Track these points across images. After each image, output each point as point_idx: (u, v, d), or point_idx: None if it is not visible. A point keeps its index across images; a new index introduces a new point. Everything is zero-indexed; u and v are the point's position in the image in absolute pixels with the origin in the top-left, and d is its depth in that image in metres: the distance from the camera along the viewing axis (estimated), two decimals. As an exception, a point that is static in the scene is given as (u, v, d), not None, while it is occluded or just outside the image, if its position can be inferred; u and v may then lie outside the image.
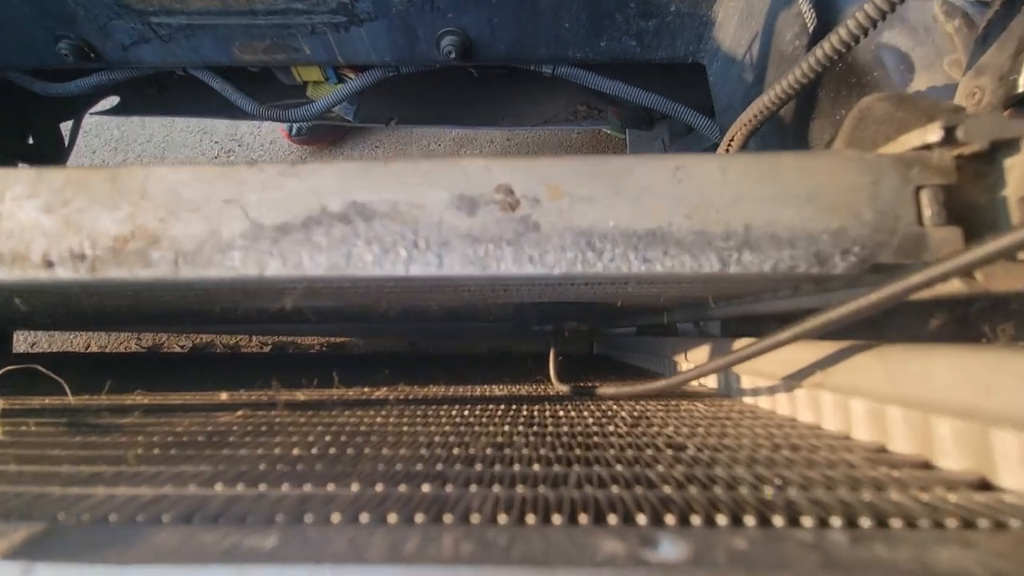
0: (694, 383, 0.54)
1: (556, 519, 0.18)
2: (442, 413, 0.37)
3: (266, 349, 2.37)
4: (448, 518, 0.18)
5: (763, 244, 0.24)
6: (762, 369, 0.38)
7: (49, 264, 0.27)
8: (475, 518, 0.18)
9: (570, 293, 0.41)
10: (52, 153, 2.03)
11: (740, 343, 0.42)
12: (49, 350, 2.40)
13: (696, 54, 1.27)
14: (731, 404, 0.40)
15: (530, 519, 0.18)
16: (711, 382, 0.51)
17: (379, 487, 0.22)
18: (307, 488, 0.21)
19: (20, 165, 2.05)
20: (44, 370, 0.43)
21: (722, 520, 0.18)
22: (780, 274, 0.24)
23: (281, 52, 1.30)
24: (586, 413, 0.37)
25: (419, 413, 0.38)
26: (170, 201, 0.27)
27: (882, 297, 0.23)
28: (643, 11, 1.17)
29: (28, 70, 1.46)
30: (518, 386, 0.50)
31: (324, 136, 2.94)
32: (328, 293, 0.38)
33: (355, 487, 0.21)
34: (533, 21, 1.20)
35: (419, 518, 0.18)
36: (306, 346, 2.15)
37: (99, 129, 3.03)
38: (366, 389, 0.52)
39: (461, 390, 0.52)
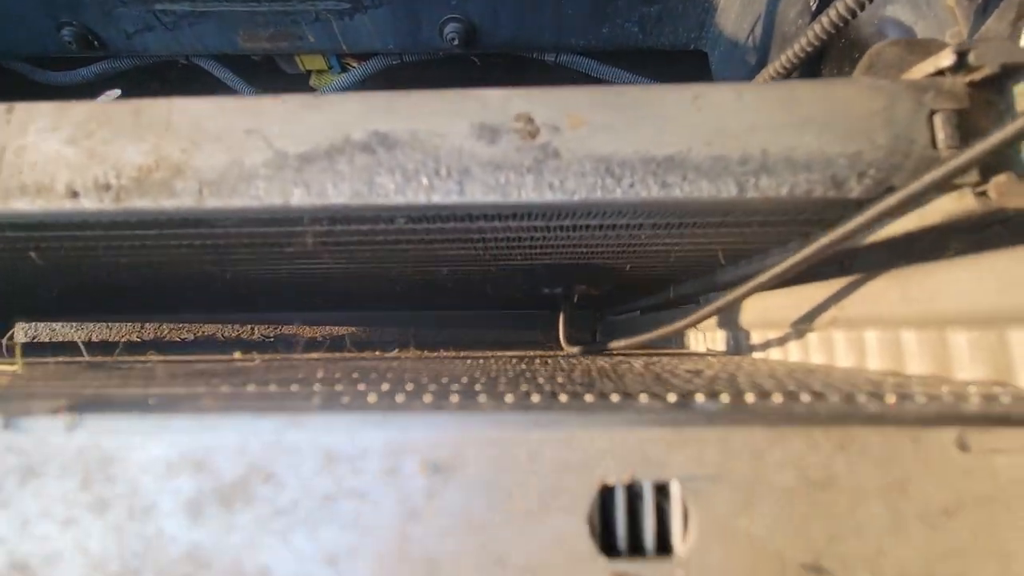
0: (704, 349, 0.54)
1: (588, 398, 0.18)
2: (458, 361, 0.38)
3: (270, 339, 2.36)
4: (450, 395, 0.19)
5: (780, 168, 0.25)
6: (771, 319, 0.38)
7: (74, 194, 0.27)
8: (509, 398, 0.19)
9: (582, 249, 0.41)
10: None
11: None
12: (51, 342, 2.40)
13: (698, 41, 1.27)
14: (740, 359, 0.41)
15: (563, 398, 0.18)
16: (720, 345, 0.51)
17: (410, 386, 0.22)
18: (338, 387, 0.22)
19: None
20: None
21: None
22: (797, 198, 0.25)
23: (285, 40, 1.30)
24: (601, 362, 0.37)
25: (437, 361, 0.38)
26: (193, 132, 0.27)
27: (881, 210, 0.24)
28: (645, -3, 1.17)
29: (29, 58, 1.46)
30: (528, 350, 0.51)
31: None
32: (337, 248, 0.39)
33: (385, 386, 0.22)
34: (536, 7, 1.20)
35: (455, 398, 0.19)
36: (308, 337, 2.14)
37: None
38: (379, 352, 0.52)
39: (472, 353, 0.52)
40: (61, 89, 1.72)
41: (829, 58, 0.77)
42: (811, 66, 0.70)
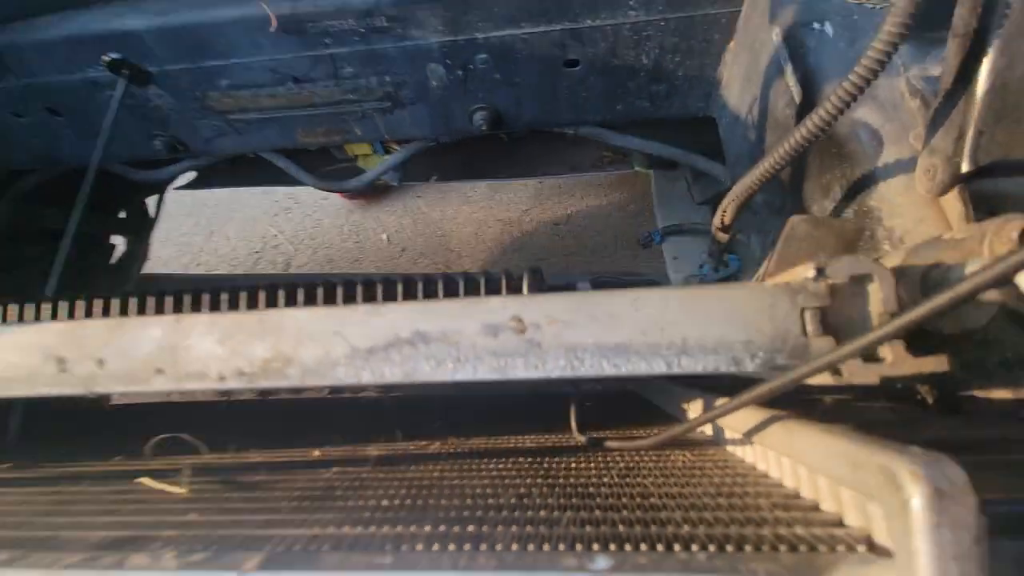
0: (699, 431, 0.64)
1: (545, 547, 0.29)
2: (481, 467, 0.49)
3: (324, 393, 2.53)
4: (483, 547, 0.30)
5: (695, 351, 0.35)
6: (731, 426, 0.48)
7: (221, 378, 0.41)
8: (499, 548, 0.30)
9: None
10: (141, 224, 2.32)
11: (720, 401, 0.52)
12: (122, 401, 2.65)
13: (707, 109, 1.38)
14: (714, 453, 0.50)
15: (530, 548, 0.29)
16: (708, 430, 0.61)
17: (442, 528, 0.34)
18: (399, 528, 0.34)
19: (114, 238, 2.33)
20: (188, 437, 0.58)
21: (643, 547, 0.29)
22: (709, 372, 0.35)
23: (336, 134, 1.49)
24: (592, 464, 0.48)
25: (464, 467, 0.50)
26: (298, 334, 0.41)
27: (781, 383, 0.34)
28: (653, 77, 1.29)
29: (127, 162, 1.72)
30: (545, 436, 0.62)
31: (372, 190, 3.18)
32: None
33: (427, 528, 0.33)
34: (553, 96, 1.35)
35: (466, 547, 0.30)
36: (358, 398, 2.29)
37: (173, 196, 3.35)
38: (422, 442, 0.65)
39: (495, 441, 0.64)
40: (151, 185, 1.99)
41: (814, 150, 0.86)
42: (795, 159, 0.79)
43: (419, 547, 0.30)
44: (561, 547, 0.29)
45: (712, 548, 0.28)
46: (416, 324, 0.39)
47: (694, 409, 0.61)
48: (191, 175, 2.10)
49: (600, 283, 1.12)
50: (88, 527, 0.38)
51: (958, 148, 0.62)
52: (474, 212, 2.97)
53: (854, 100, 0.65)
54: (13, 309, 0.59)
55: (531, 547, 0.29)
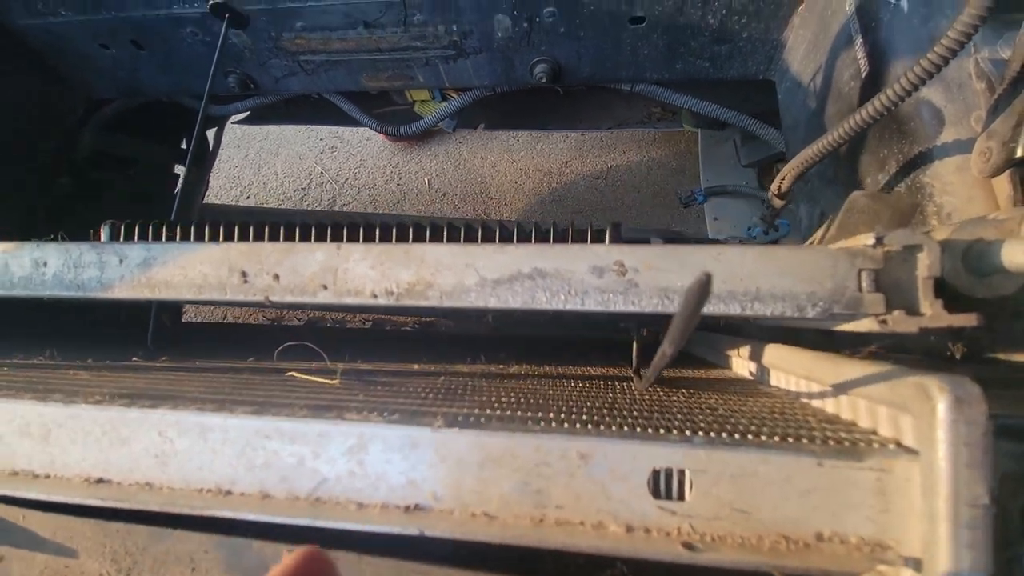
0: (745, 373, 0.73)
1: (649, 431, 0.39)
2: (567, 385, 0.59)
3: (367, 325, 2.69)
4: (602, 427, 0.40)
5: (766, 298, 0.43)
6: (776, 365, 0.57)
7: (374, 296, 0.51)
8: (614, 428, 0.40)
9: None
10: (201, 154, 2.43)
11: (770, 347, 0.61)
12: (195, 320, 2.84)
13: (766, 73, 1.39)
14: (763, 387, 0.60)
15: (637, 430, 0.40)
16: (753, 370, 0.70)
17: (563, 415, 0.44)
18: (529, 413, 0.44)
19: (178, 168, 2.45)
20: (312, 345, 0.69)
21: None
22: (776, 316, 0.43)
23: (399, 80, 1.55)
24: (660, 391, 0.58)
25: (552, 384, 0.60)
26: (436, 264, 0.50)
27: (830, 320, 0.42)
28: (717, 38, 1.31)
29: (199, 96, 1.80)
30: (610, 367, 0.72)
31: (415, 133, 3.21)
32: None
33: (551, 413, 0.44)
34: (615, 50, 1.37)
35: (589, 425, 0.41)
36: (401, 323, 2.42)
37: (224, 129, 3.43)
38: (502, 366, 0.75)
39: (570, 369, 0.74)
40: (215, 118, 2.08)
41: (876, 125, 0.89)
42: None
43: (554, 424, 0.41)
44: (661, 431, 0.39)
45: (777, 439, 0.38)
46: (535, 262, 0.48)
47: (742, 353, 0.70)
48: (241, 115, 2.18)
49: (669, 239, 1.19)
50: (284, 399, 0.49)
51: (1015, 134, 0.67)
52: (515, 161, 2.99)
53: (925, 82, 0.69)
54: (201, 229, 0.70)
55: (638, 430, 0.39)
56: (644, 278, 0.46)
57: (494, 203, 2.89)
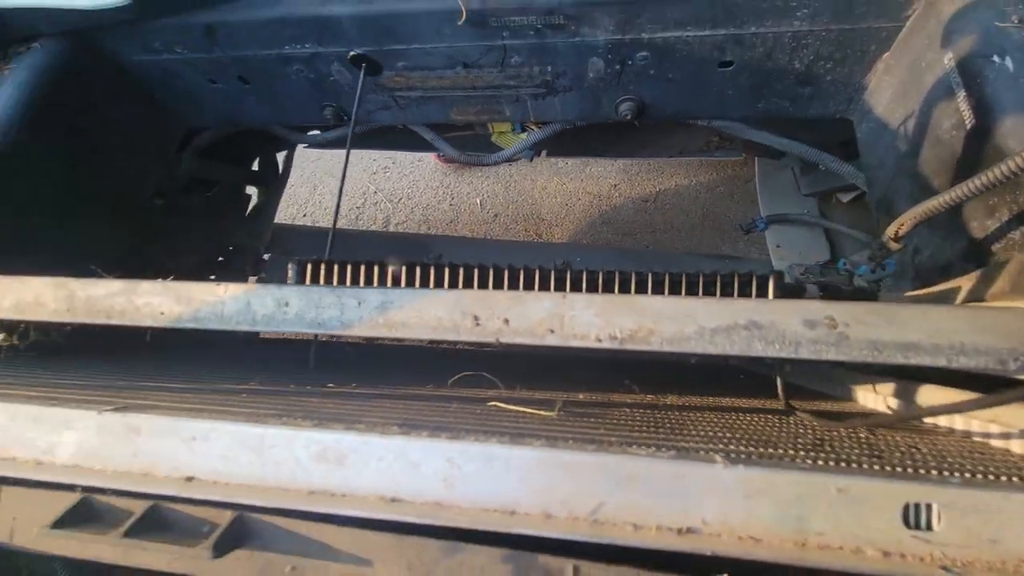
0: (880, 407, 0.79)
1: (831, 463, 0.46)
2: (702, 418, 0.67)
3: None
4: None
5: (971, 352, 0.50)
6: (928, 402, 0.64)
7: (598, 340, 0.58)
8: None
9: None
10: (270, 176, 2.54)
11: (927, 387, 0.68)
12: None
13: (845, 112, 1.46)
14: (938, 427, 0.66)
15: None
16: (887, 406, 0.76)
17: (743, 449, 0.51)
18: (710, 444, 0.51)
19: (248, 188, 2.55)
20: (488, 376, 0.77)
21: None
22: (979, 369, 0.50)
23: (486, 114, 1.64)
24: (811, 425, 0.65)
25: (709, 413, 0.68)
26: (657, 314, 0.57)
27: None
28: (801, 80, 1.38)
29: (289, 125, 1.91)
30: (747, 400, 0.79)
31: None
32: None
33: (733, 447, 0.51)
34: (701, 91, 1.45)
35: (759, 450, 0.48)
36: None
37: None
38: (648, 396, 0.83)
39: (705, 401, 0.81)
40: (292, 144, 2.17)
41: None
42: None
43: (798, 461, 0.48)
44: (909, 470, 0.46)
45: (1015, 480, 0.44)
46: (751, 315, 0.55)
47: (880, 390, 0.77)
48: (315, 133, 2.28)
49: (825, 287, 1.26)
50: (535, 429, 0.57)
51: None
52: (564, 184, 3.08)
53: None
54: (424, 272, 0.79)
55: (887, 468, 0.46)
56: (855, 332, 0.53)
57: (545, 224, 2.97)
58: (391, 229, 3.11)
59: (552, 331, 0.59)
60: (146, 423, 0.55)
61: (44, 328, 0.76)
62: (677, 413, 0.70)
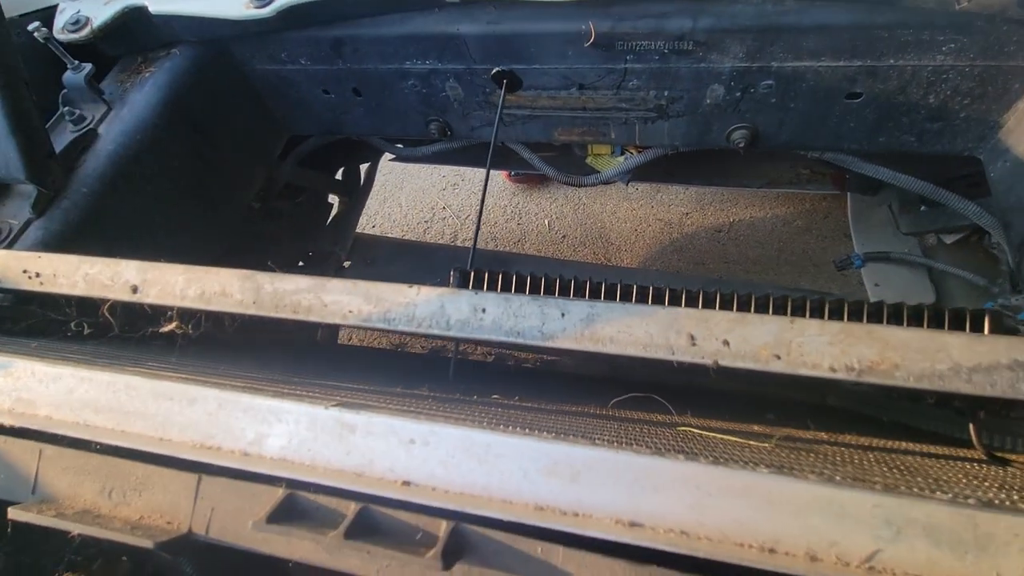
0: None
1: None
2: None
3: (489, 359, 2.75)
4: None
5: None
6: None
7: (832, 370, 0.55)
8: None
9: None
10: (353, 186, 2.59)
11: None
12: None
13: (974, 150, 1.40)
14: None
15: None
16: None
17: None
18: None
19: (332, 198, 2.60)
20: (659, 398, 0.74)
21: None
22: None
23: (591, 135, 1.64)
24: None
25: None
26: (903, 347, 0.54)
27: None
28: (931, 116, 1.34)
29: (389, 138, 1.95)
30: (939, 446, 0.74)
31: (535, 176, 3.33)
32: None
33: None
34: (820, 121, 1.42)
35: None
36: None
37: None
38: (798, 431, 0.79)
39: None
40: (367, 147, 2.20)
41: None
42: None
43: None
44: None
45: None
46: (1013, 354, 0.52)
47: None
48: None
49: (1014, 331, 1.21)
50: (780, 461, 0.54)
51: None
52: (634, 209, 3.06)
53: None
54: (640, 290, 0.78)
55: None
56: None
57: (614, 248, 2.95)
58: (458, 244, 3.13)
59: (778, 356, 0.57)
60: (363, 421, 0.54)
61: (220, 319, 0.77)
62: (886, 455, 0.66)
